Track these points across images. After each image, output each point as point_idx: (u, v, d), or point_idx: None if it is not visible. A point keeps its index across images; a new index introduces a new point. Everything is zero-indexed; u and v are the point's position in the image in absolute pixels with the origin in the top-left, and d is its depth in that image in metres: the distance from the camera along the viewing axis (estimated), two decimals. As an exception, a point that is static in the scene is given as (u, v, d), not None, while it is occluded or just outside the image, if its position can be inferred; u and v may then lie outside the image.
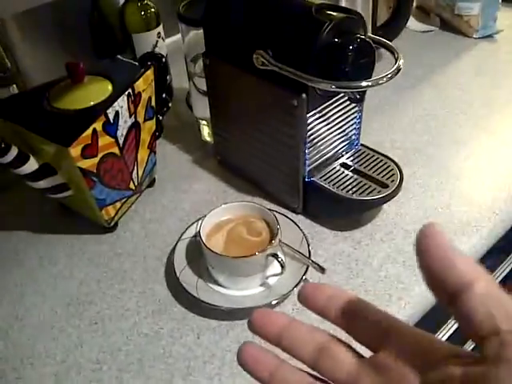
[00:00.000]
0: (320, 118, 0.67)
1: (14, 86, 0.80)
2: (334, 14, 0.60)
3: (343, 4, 0.91)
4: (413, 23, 1.16)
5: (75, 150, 0.60)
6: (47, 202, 0.75)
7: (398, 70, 0.59)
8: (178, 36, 1.02)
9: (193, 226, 0.70)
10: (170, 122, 0.87)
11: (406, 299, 0.62)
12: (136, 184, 0.74)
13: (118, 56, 0.76)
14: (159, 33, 0.90)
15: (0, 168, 0.62)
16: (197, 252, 0.66)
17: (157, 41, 0.90)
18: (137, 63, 0.74)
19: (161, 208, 0.77)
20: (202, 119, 0.86)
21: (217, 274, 0.63)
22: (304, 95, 0.62)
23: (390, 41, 0.89)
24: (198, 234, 0.63)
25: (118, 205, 0.72)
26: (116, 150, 0.67)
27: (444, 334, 0.88)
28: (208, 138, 0.87)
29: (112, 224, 0.72)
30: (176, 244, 0.68)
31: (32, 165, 0.63)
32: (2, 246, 0.73)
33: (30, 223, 0.76)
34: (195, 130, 0.89)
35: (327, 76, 0.59)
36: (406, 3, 0.97)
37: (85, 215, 0.73)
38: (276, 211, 0.70)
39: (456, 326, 0.79)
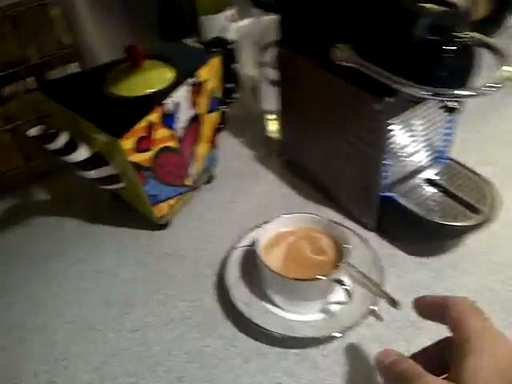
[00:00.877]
0: (405, 125, 0.59)
1: (76, 64, 0.75)
2: (433, 6, 0.51)
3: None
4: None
5: (127, 143, 0.54)
6: (99, 192, 0.70)
7: (505, 78, 0.50)
8: (248, 20, 0.95)
9: (250, 234, 0.63)
10: (234, 113, 0.80)
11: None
12: (193, 180, 0.68)
13: (184, 40, 0.70)
14: (231, 15, 0.84)
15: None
16: (252, 264, 0.60)
17: (226, 24, 0.83)
18: (201, 48, 0.68)
19: (218, 208, 0.71)
20: (270, 112, 0.79)
21: (272, 293, 0.57)
22: (388, 99, 0.54)
23: (492, 34, 0.79)
24: (254, 246, 0.56)
25: (172, 202, 0.66)
26: (173, 144, 0.61)
27: None
28: (274, 135, 0.80)
29: (164, 222, 0.67)
30: (230, 252, 0.62)
31: (83, 153, 0.58)
32: (48, 235, 0.70)
33: (79, 213, 0.72)
34: (261, 124, 0.82)
35: (418, 79, 0.50)
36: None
37: (137, 209, 0.68)
38: (345, 226, 0.63)
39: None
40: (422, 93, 0.50)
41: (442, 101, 0.56)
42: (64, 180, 0.76)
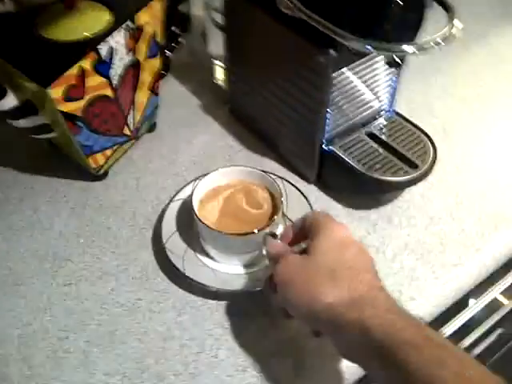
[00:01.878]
0: (348, 78, 0.57)
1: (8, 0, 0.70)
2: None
3: None
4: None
5: (56, 91, 0.51)
6: (35, 139, 0.67)
7: (452, 35, 0.48)
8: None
9: (188, 186, 0.62)
10: (182, 58, 0.77)
11: (419, 300, 0.54)
12: (132, 129, 0.66)
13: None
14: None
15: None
16: (189, 217, 0.59)
17: (175, -38, 0.78)
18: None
19: (158, 158, 0.69)
20: (217, 58, 0.76)
21: (208, 247, 0.56)
22: (333, 52, 0.52)
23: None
24: (190, 200, 0.55)
25: (109, 152, 0.64)
26: (109, 92, 0.58)
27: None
28: (221, 82, 0.77)
29: (101, 172, 0.65)
30: (167, 205, 0.61)
31: (10, 101, 0.54)
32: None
33: (15, 162, 0.69)
34: (208, 70, 0.79)
35: (363, 32, 0.48)
36: None
37: (74, 159, 0.66)
38: (285, 179, 0.62)
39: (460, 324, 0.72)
40: (366, 47, 0.48)
41: (388, 55, 0.54)
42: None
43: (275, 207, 0.56)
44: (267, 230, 0.52)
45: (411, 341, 0.37)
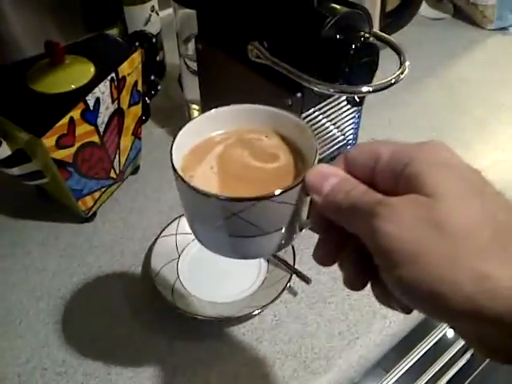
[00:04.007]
0: (315, 118, 0.63)
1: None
2: (337, 7, 0.55)
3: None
4: (424, 9, 1.10)
5: (49, 141, 0.55)
6: (23, 184, 0.70)
7: (402, 73, 0.55)
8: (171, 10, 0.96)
9: (173, 223, 0.66)
10: (159, 102, 0.82)
11: (391, 317, 0.59)
12: (117, 172, 0.70)
13: (108, 30, 0.71)
14: (153, 6, 0.84)
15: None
16: (175, 251, 0.63)
17: (150, 15, 0.84)
18: (124, 42, 0.69)
19: (143, 198, 0.73)
20: (193, 102, 0.81)
21: (201, 232, 0.40)
22: (299, 94, 0.57)
23: (401, 27, 0.84)
24: (173, 169, 0.37)
25: (97, 194, 0.68)
26: (96, 139, 0.62)
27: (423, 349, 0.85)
28: (198, 124, 0.82)
29: (90, 214, 0.69)
30: (154, 242, 0.65)
31: (4, 151, 0.58)
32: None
33: (3, 206, 0.72)
34: (185, 113, 0.84)
35: (325, 75, 0.54)
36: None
37: (62, 202, 0.69)
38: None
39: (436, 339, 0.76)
40: (330, 90, 0.54)
41: (349, 96, 0.60)
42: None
43: (298, 156, 0.39)
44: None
45: None
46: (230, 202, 0.34)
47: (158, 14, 0.86)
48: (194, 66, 0.74)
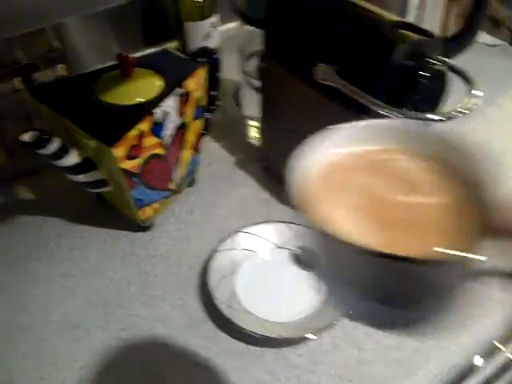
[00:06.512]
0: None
1: (61, 66, 0.76)
2: (409, 34, 0.55)
3: (411, 14, 0.85)
4: (480, 35, 1.08)
5: (119, 151, 0.57)
6: (82, 191, 0.71)
7: (474, 104, 0.54)
8: (232, 25, 0.98)
9: (230, 238, 0.66)
10: (215, 117, 0.83)
11: (451, 347, 0.58)
12: (176, 185, 0.71)
13: (169, 48, 0.73)
14: (213, 22, 0.86)
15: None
16: (232, 267, 0.64)
17: (210, 31, 0.86)
18: (188, 57, 0.70)
19: (198, 211, 0.74)
20: (251, 118, 0.82)
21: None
22: (365, 118, 0.57)
23: (460, 53, 0.84)
24: (291, 201, 0.28)
25: (156, 205, 0.69)
26: (160, 151, 0.63)
27: None
28: (254, 141, 0.83)
29: (147, 224, 0.70)
30: (211, 255, 0.65)
31: (73, 158, 0.60)
32: (33, 233, 0.71)
33: (64, 212, 0.74)
34: (241, 130, 0.85)
35: (392, 101, 0.54)
36: (481, 13, 0.90)
37: (122, 211, 0.71)
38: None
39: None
40: (399, 115, 0.54)
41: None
42: (47, 179, 0.77)
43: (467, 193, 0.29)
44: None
45: None
46: (404, 263, 0.23)
47: (217, 30, 0.88)
48: (255, 82, 0.75)
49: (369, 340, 0.58)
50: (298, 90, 0.65)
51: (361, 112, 0.57)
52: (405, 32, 0.55)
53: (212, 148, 0.84)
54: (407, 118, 0.54)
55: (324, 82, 0.58)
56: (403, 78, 0.55)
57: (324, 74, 0.58)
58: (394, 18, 0.57)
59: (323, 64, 0.58)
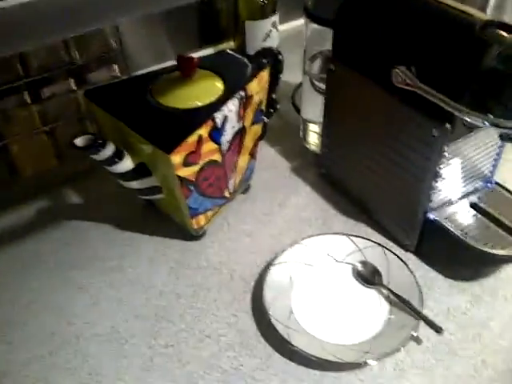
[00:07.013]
0: (457, 150, 0.57)
1: (116, 66, 0.74)
2: (504, 34, 0.49)
3: (489, 12, 0.79)
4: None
5: (177, 158, 0.53)
6: (132, 195, 0.67)
7: None
8: (292, 24, 0.93)
9: (286, 251, 0.62)
10: (271, 121, 0.79)
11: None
12: (231, 192, 0.67)
13: (228, 49, 0.69)
14: (274, 22, 0.82)
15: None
16: (289, 282, 0.59)
17: (270, 30, 0.82)
18: (250, 58, 0.66)
19: (252, 220, 0.70)
20: (311, 122, 0.77)
21: None
22: (448, 126, 0.52)
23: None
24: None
25: (210, 213, 0.65)
26: (218, 157, 0.59)
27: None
28: (313, 146, 0.78)
29: (200, 233, 0.66)
30: (266, 269, 0.61)
31: (127, 164, 0.57)
32: (81, 239, 0.68)
33: (111, 217, 0.71)
34: (297, 133, 0.80)
35: (479, 107, 0.49)
36: None
37: (173, 218, 0.67)
38: (386, 247, 0.62)
39: None
40: (484, 122, 0.49)
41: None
42: (97, 182, 0.74)
43: None
44: None
45: None
46: None
47: (277, 30, 0.83)
48: (320, 85, 0.70)
49: (438, 367, 0.53)
50: (370, 95, 0.60)
51: (443, 119, 0.52)
52: (498, 32, 0.49)
53: (266, 154, 0.79)
54: (498, 126, 0.49)
55: (402, 87, 0.54)
56: (494, 83, 0.49)
57: (402, 77, 0.53)
58: (483, 15, 0.51)
59: (402, 67, 0.53)
